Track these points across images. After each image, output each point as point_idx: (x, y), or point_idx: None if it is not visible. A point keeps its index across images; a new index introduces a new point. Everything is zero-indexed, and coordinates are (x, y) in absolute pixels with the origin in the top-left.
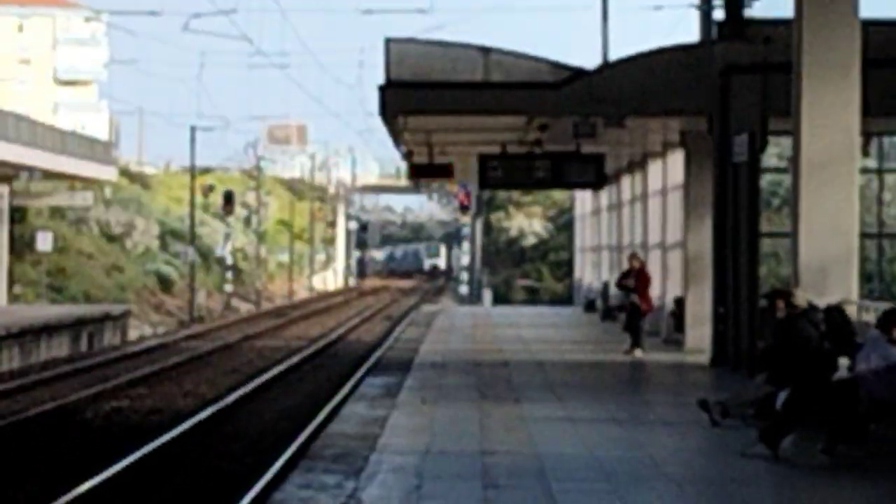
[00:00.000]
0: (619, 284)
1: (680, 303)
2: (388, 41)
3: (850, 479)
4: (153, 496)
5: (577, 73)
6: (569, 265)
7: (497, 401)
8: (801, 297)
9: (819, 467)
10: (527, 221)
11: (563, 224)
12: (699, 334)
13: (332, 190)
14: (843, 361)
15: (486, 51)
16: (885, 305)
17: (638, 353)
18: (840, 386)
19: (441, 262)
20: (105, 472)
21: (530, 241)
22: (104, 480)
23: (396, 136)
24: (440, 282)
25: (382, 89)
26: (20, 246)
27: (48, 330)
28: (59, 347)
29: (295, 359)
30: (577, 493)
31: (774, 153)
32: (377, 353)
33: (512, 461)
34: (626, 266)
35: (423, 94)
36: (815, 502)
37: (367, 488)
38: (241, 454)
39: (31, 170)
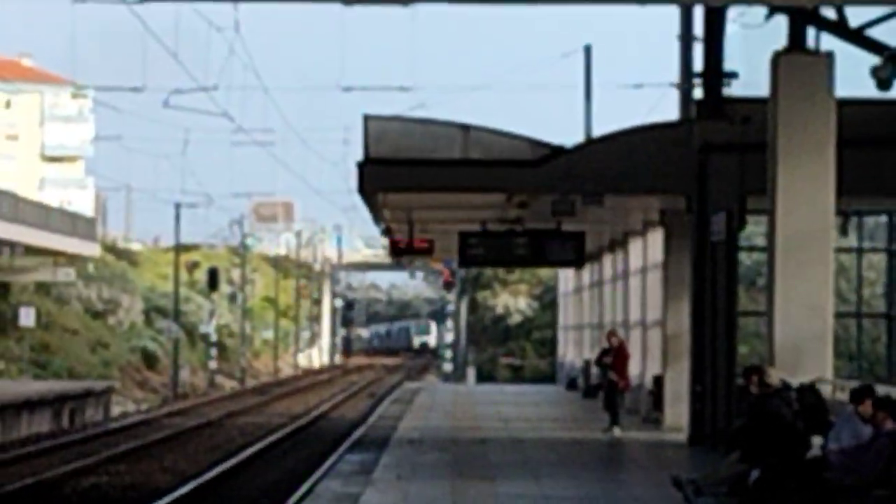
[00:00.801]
0: (598, 362)
1: (659, 381)
2: (366, 118)
3: None
4: None
5: (557, 151)
6: (553, 343)
7: (472, 478)
8: (775, 376)
9: None
10: (512, 299)
11: (548, 302)
12: (678, 412)
13: (317, 267)
14: (817, 440)
15: (465, 128)
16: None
17: (616, 431)
18: (811, 465)
19: (431, 340)
20: None
21: (516, 318)
22: None
23: (376, 212)
24: (425, 359)
25: (361, 166)
26: (3, 321)
27: (30, 405)
28: (40, 423)
29: (277, 436)
30: None
31: (760, 232)
32: (359, 431)
33: None
34: (606, 344)
35: (402, 171)
36: None
37: None
38: None
39: (13, 245)
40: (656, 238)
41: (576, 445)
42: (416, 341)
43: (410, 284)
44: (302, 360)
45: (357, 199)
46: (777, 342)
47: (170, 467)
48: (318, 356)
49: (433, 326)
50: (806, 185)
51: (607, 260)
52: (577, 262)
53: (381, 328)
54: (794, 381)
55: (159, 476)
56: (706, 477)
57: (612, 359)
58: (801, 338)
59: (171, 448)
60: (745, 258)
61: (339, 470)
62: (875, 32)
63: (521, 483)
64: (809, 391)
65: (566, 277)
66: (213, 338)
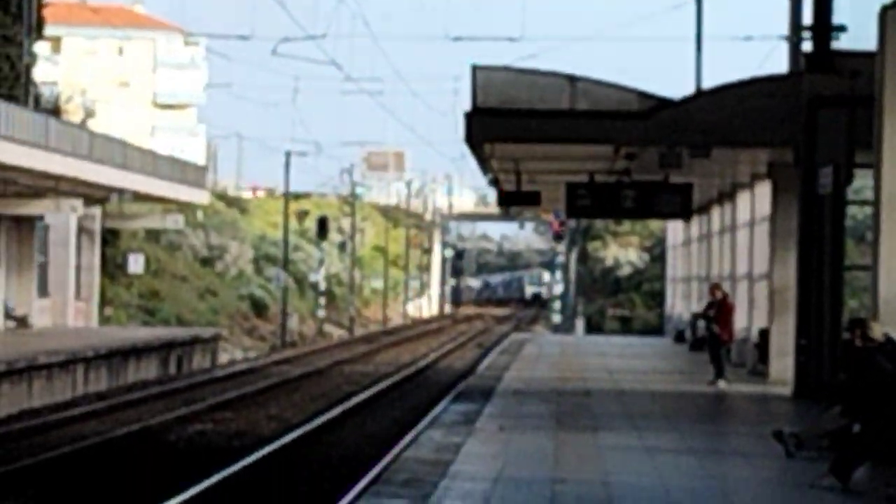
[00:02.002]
0: (703, 315)
1: (764, 334)
2: (475, 68)
3: None
4: None
5: (665, 103)
6: (661, 295)
7: (575, 430)
8: (878, 330)
9: (889, 499)
10: (623, 251)
11: (658, 254)
12: (783, 366)
13: (428, 217)
14: None
15: (573, 79)
16: None
17: (721, 384)
18: None
19: (543, 291)
20: (184, 494)
21: (625, 270)
22: (183, 502)
23: (484, 163)
24: (534, 310)
25: (469, 116)
26: (113, 268)
27: (137, 352)
28: (147, 370)
29: (383, 385)
30: None
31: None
32: (465, 381)
33: (581, 490)
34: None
35: (509, 122)
36: None
37: None
38: (319, 479)
39: (122, 192)
40: (764, 191)
41: (680, 398)
42: (529, 291)
43: (520, 235)
44: (411, 309)
45: (467, 150)
46: (881, 296)
47: (276, 415)
48: (427, 306)
49: (546, 276)
50: None
51: (715, 212)
52: (685, 214)
53: (493, 278)
54: None
55: (265, 424)
56: (807, 431)
57: (715, 312)
58: None
59: (277, 396)
60: (856, 212)
61: (443, 420)
62: None
63: (624, 435)
64: None
65: (675, 230)
66: (322, 286)
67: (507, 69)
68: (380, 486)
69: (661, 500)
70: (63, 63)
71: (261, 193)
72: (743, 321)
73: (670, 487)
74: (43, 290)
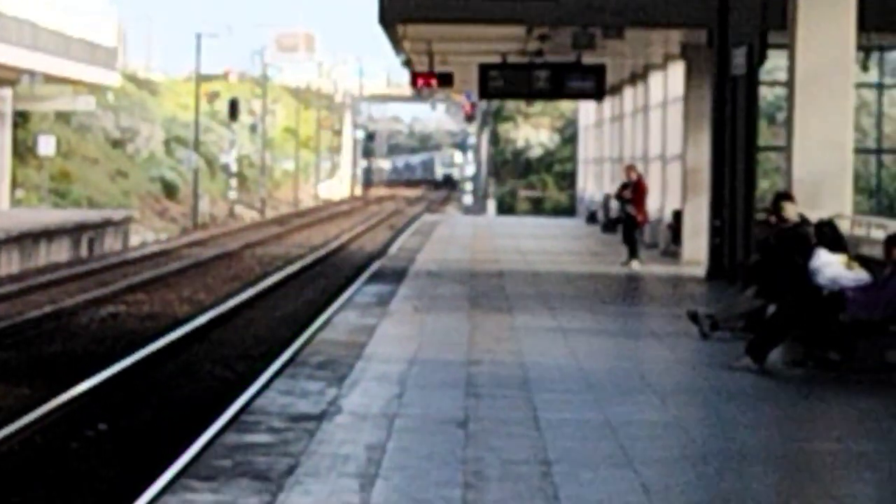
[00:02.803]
0: (618, 196)
1: (678, 215)
2: None
3: (834, 391)
4: (142, 401)
5: None
6: (573, 176)
7: (489, 311)
8: (792, 210)
9: (804, 381)
10: (534, 132)
11: (570, 136)
12: (696, 247)
13: (338, 98)
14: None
15: None
16: (879, 220)
17: (635, 264)
18: (826, 301)
19: (454, 172)
20: (96, 376)
21: (536, 151)
22: (95, 384)
23: (397, 44)
24: (445, 192)
25: None
26: (23, 150)
27: (48, 234)
28: (58, 252)
29: (295, 267)
30: (558, 403)
31: (783, 66)
32: (377, 263)
33: (497, 371)
34: (625, 178)
35: (422, 2)
36: (799, 416)
37: (349, 395)
38: (232, 361)
39: (33, 73)
40: (677, 71)
41: (594, 279)
42: (440, 173)
43: (431, 116)
44: (322, 191)
45: (379, 31)
46: (795, 178)
47: (188, 297)
48: (338, 187)
49: (458, 157)
50: (827, 19)
51: (627, 93)
52: (597, 95)
53: (404, 159)
54: (813, 217)
55: (177, 305)
56: (722, 311)
57: (630, 193)
58: (820, 173)
59: (189, 278)
60: (766, 93)
61: (357, 301)
62: None
63: (539, 316)
64: (828, 226)
65: (587, 111)
66: (234, 168)
67: None
68: (295, 368)
69: (578, 380)
70: None
71: (233, 77)
72: (656, 202)
73: (586, 368)
74: None
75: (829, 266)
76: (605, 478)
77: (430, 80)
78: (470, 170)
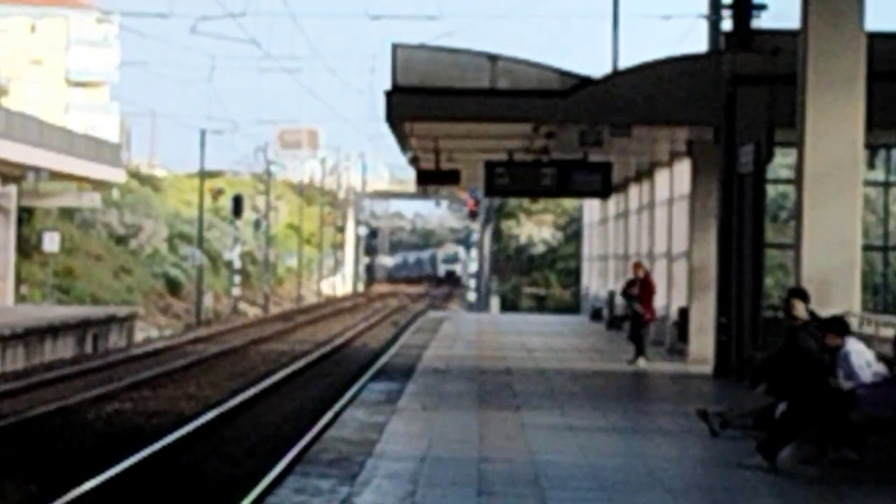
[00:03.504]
0: (624, 293)
1: (684, 313)
2: (395, 47)
3: (847, 490)
4: (150, 499)
5: (585, 82)
6: (577, 273)
7: (497, 408)
8: (802, 308)
9: (816, 479)
10: (536, 229)
11: (573, 233)
12: (703, 344)
13: (342, 195)
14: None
15: (493, 58)
16: (887, 318)
17: (641, 362)
18: (837, 399)
19: (458, 268)
20: (104, 473)
21: (539, 248)
22: (103, 482)
23: (403, 141)
24: (448, 288)
25: (389, 95)
26: (27, 246)
27: (53, 331)
28: (63, 349)
29: (300, 363)
30: (571, 501)
31: (784, 164)
32: (383, 360)
33: (508, 469)
34: (631, 275)
35: (429, 101)
36: None
37: (362, 493)
38: (240, 458)
39: (38, 170)
40: (683, 169)
41: (601, 376)
42: (442, 269)
43: (434, 213)
44: (325, 287)
45: (382, 128)
46: (804, 275)
47: (193, 394)
48: (341, 284)
49: (460, 252)
50: (835, 117)
51: (633, 191)
52: (604, 192)
53: (406, 256)
54: (822, 314)
55: (183, 403)
56: (732, 409)
57: (637, 290)
58: (829, 271)
59: (194, 375)
60: (769, 190)
61: (364, 399)
62: None
63: (547, 413)
64: (838, 323)
65: (591, 208)
66: (237, 265)
67: (427, 48)
68: (306, 466)
69: (589, 478)
70: None
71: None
72: (662, 300)
73: (597, 466)
74: None
75: (861, 354)
76: None
77: (437, 178)
78: (473, 266)
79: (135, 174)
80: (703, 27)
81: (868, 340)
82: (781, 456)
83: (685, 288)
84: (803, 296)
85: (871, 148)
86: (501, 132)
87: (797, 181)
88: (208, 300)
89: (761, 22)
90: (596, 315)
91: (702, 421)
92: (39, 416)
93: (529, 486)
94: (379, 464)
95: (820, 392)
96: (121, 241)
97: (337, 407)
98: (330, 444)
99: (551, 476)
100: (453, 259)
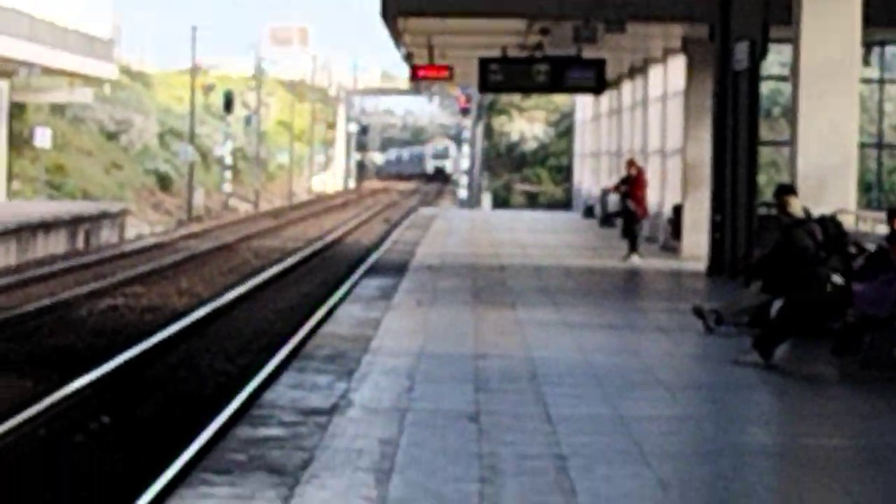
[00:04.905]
0: (617, 190)
1: (678, 210)
2: None
3: (840, 389)
4: (145, 395)
5: None
6: (569, 170)
7: (492, 305)
8: (797, 205)
9: (810, 376)
10: (528, 126)
11: (565, 129)
12: (696, 241)
13: (332, 92)
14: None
15: None
16: (882, 216)
17: (635, 259)
18: (833, 296)
19: (448, 164)
20: (97, 369)
21: (531, 145)
22: (95, 378)
23: (397, 37)
24: (439, 185)
25: None
26: (19, 142)
27: (45, 226)
28: (55, 244)
29: (293, 259)
30: (567, 397)
31: (777, 61)
32: (375, 256)
33: (504, 365)
34: (624, 172)
35: None
36: (806, 410)
37: (359, 389)
38: (235, 354)
39: (30, 65)
40: (677, 66)
41: (595, 273)
42: (431, 166)
43: (425, 110)
44: (316, 184)
45: (373, 25)
46: (799, 173)
47: (186, 289)
48: (332, 180)
49: (452, 149)
50: (831, 14)
51: (626, 87)
52: (598, 88)
53: (397, 152)
54: (816, 212)
55: (175, 298)
56: (728, 306)
57: (630, 187)
58: (824, 168)
59: (186, 270)
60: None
61: (358, 295)
62: None
63: (542, 309)
64: (831, 222)
65: (584, 104)
66: (228, 161)
67: None
68: (302, 362)
69: (585, 374)
70: None
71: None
72: (655, 197)
73: (593, 362)
74: None
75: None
76: (622, 473)
77: (432, 73)
78: (464, 163)
79: (126, 70)
80: None
81: (864, 237)
82: (778, 353)
83: (679, 185)
84: (796, 192)
85: (866, 45)
86: (495, 28)
87: (793, 79)
88: (199, 196)
89: None
90: (588, 212)
91: (697, 318)
92: (32, 312)
93: (526, 381)
94: (375, 360)
95: (816, 289)
96: (112, 137)
97: (331, 303)
98: (325, 340)
99: (547, 372)
100: (443, 155)
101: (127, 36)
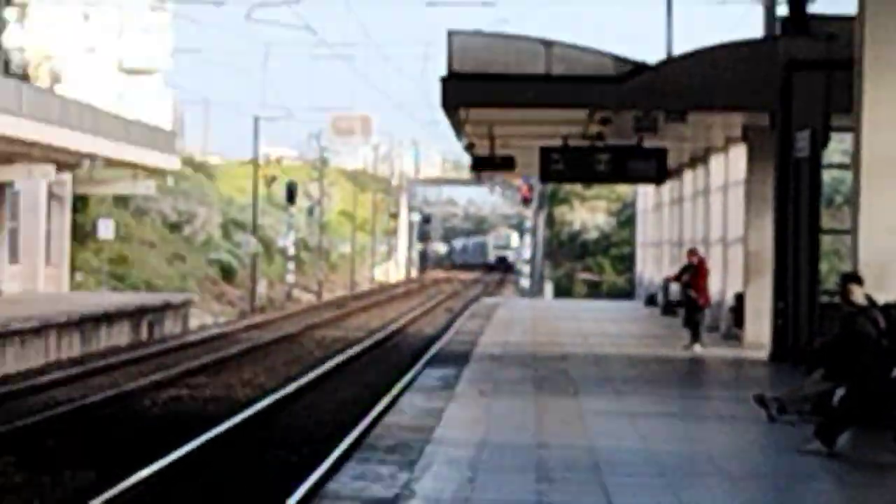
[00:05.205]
0: (678, 279)
1: (740, 298)
2: (450, 33)
3: None
4: (208, 486)
5: (640, 67)
6: (630, 259)
7: (554, 394)
8: (860, 293)
9: (874, 465)
10: (590, 215)
11: (626, 218)
12: (758, 329)
13: (395, 182)
14: None
15: (548, 44)
16: None
17: (697, 348)
18: None
19: (509, 254)
20: (161, 460)
21: (593, 234)
22: (160, 469)
23: (458, 128)
24: (501, 274)
25: (444, 81)
26: (82, 234)
27: (109, 318)
28: (119, 336)
29: (355, 349)
30: (631, 487)
31: (838, 149)
32: (438, 345)
33: (567, 455)
34: (685, 261)
35: (484, 87)
36: (869, 499)
37: (421, 479)
38: (298, 444)
39: (93, 158)
40: (738, 154)
41: (657, 362)
42: (493, 255)
43: (487, 200)
44: (378, 273)
45: (436, 115)
46: (861, 260)
47: (249, 380)
48: (394, 270)
49: (513, 239)
50: (892, 102)
51: (687, 176)
52: (659, 178)
53: (459, 242)
54: (879, 299)
55: (239, 389)
56: (790, 394)
57: (691, 276)
58: (886, 256)
59: (249, 361)
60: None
61: (421, 384)
62: None
63: (604, 399)
64: (894, 309)
65: (645, 193)
66: (291, 251)
67: (482, 34)
68: (365, 452)
69: (648, 464)
70: (30, 29)
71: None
72: (717, 285)
73: (656, 451)
74: (13, 257)
75: None
76: None
77: (491, 164)
78: (526, 252)
79: (189, 161)
80: (759, 12)
81: None
82: (840, 441)
83: (740, 273)
84: (860, 281)
85: None
86: (556, 118)
87: (853, 166)
88: (262, 287)
89: (817, 7)
90: (651, 300)
91: (759, 406)
92: (96, 404)
93: (589, 471)
94: (438, 449)
95: (880, 378)
96: (175, 228)
97: (394, 392)
98: (388, 430)
99: (610, 462)
100: (505, 245)
101: (190, 125)
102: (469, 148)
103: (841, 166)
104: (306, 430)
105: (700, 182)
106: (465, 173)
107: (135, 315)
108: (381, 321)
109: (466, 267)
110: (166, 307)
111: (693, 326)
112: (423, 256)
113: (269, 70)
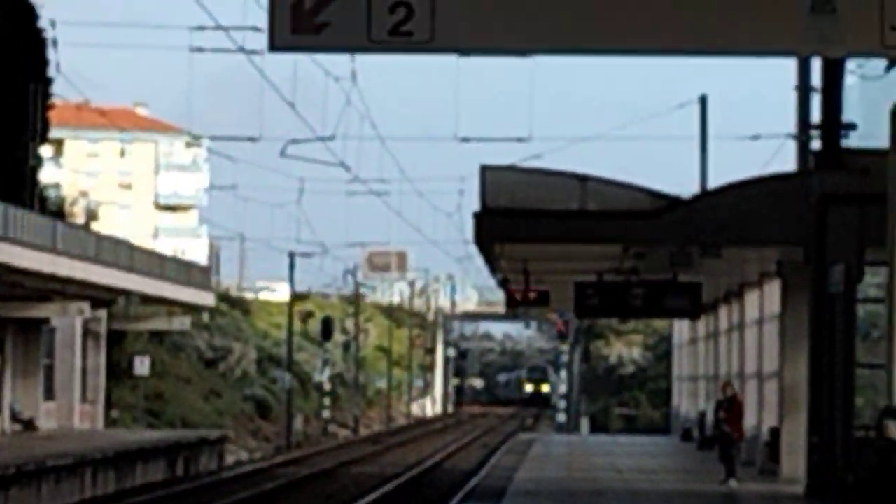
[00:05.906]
0: (715, 414)
1: (775, 432)
2: (483, 168)
3: None
4: None
5: (674, 202)
6: (667, 394)
7: None
8: (894, 430)
9: None
10: (626, 349)
11: (662, 352)
12: (794, 464)
13: (431, 317)
14: None
15: (583, 179)
16: None
17: (733, 483)
18: None
19: (547, 388)
20: None
21: (629, 369)
22: None
23: (492, 263)
24: (537, 409)
25: (478, 217)
26: (118, 370)
27: (144, 454)
28: (155, 472)
29: (391, 486)
30: None
31: (874, 283)
32: (474, 481)
33: None
34: (720, 395)
35: (519, 223)
36: None
37: None
38: None
39: (128, 294)
40: (772, 289)
41: (692, 497)
42: (527, 389)
43: (523, 334)
44: (415, 409)
45: (471, 249)
46: None
47: None
48: (430, 405)
49: (550, 373)
50: None
51: (722, 311)
52: (694, 313)
53: (499, 377)
54: None
55: None
56: None
57: (725, 410)
58: None
59: (285, 497)
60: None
61: None
62: None
63: None
64: None
65: (681, 328)
66: (327, 387)
67: (516, 169)
68: None
69: None
70: (66, 165)
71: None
72: (752, 419)
73: None
74: (49, 393)
75: None
76: None
77: (526, 300)
78: (562, 387)
79: (224, 297)
80: (792, 147)
81: None
82: None
83: (776, 408)
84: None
85: None
86: (591, 253)
87: (888, 300)
88: (298, 423)
89: (850, 141)
90: (686, 435)
91: None
92: None
93: None
94: None
95: None
96: (210, 363)
97: None
98: None
99: None
100: (541, 378)
101: (225, 261)
102: (503, 283)
103: (876, 300)
104: None
105: (735, 317)
106: (501, 307)
107: (170, 451)
108: (417, 456)
109: (503, 402)
110: (202, 443)
111: (728, 461)
112: (460, 391)
113: (304, 206)
